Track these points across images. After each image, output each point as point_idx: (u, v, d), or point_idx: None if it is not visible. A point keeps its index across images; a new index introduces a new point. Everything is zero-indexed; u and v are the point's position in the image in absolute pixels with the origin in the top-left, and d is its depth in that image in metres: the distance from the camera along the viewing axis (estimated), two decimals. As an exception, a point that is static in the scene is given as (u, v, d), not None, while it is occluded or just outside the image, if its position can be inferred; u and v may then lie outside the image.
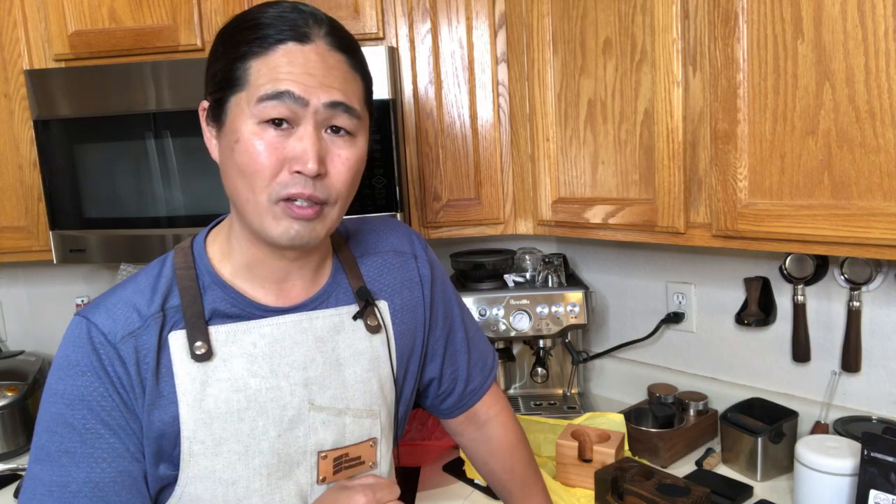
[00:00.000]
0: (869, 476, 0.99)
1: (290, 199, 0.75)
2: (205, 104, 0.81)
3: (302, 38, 0.74)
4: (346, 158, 0.77)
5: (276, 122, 0.74)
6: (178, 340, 0.79)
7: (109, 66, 1.45)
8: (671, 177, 1.22)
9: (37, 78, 1.46)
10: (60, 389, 0.77)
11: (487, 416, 1.09)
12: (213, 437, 0.79)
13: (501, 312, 1.56)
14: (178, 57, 1.50)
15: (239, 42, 0.75)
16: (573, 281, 1.66)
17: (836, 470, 1.08)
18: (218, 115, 0.78)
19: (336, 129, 0.77)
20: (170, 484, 0.80)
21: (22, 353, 1.95)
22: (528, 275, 1.69)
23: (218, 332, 0.81)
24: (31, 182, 1.58)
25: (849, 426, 1.28)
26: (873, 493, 0.99)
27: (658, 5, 1.19)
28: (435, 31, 1.50)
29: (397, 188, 1.44)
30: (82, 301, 1.88)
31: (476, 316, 1.56)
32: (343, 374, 0.87)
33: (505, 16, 1.49)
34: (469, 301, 1.56)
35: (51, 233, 1.53)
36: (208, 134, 0.82)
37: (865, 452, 1.00)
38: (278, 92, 0.72)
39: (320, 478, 0.85)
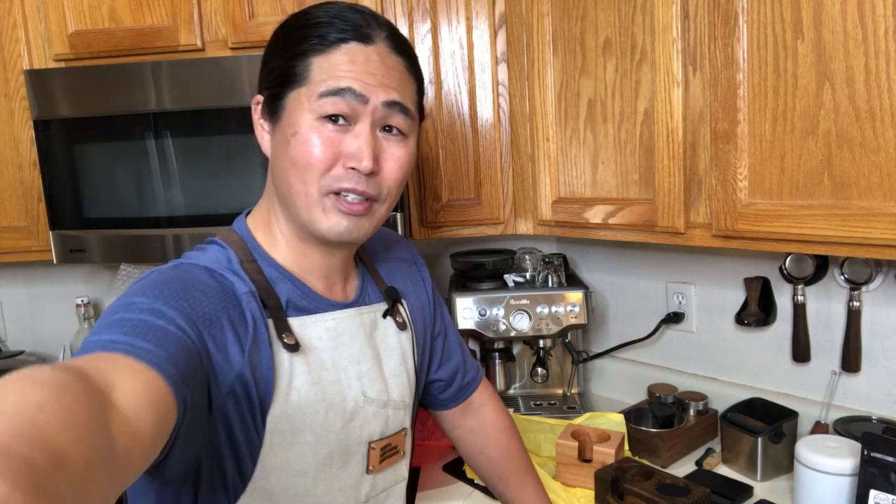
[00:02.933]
0: (869, 476, 0.99)
1: (339, 193, 0.77)
2: (259, 98, 0.83)
3: (364, 38, 0.77)
4: (398, 157, 0.80)
5: (334, 119, 0.76)
6: (271, 330, 0.78)
7: (109, 66, 1.45)
8: (671, 177, 1.22)
9: (37, 78, 1.46)
10: (155, 293, 0.69)
11: (481, 401, 1.15)
12: (292, 429, 0.79)
13: (501, 312, 1.56)
14: (178, 57, 1.49)
15: (300, 39, 0.77)
16: (573, 281, 1.66)
17: (836, 470, 1.08)
18: (274, 109, 0.79)
19: (389, 129, 0.79)
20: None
21: (22, 353, 1.96)
22: (528, 275, 1.69)
23: (293, 324, 0.81)
24: (30, 182, 1.58)
25: (849, 426, 1.28)
26: (873, 493, 0.99)
27: (658, 5, 1.19)
28: (435, 31, 1.50)
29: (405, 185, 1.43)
30: (83, 301, 1.88)
31: (476, 316, 1.56)
32: (383, 368, 0.91)
33: (505, 16, 1.49)
34: (469, 301, 1.57)
35: (51, 233, 1.53)
36: (260, 128, 0.83)
37: (865, 452, 1.00)
38: (339, 88, 0.75)
39: (370, 467, 0.89)
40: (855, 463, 1.05)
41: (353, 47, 0.76)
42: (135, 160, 1.46)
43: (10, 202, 1.61)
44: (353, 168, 0.76)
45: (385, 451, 0.91)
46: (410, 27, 1.50)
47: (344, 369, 0.85)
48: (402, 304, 0.98)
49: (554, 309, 1.56)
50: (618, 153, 1.33)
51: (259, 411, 0.76)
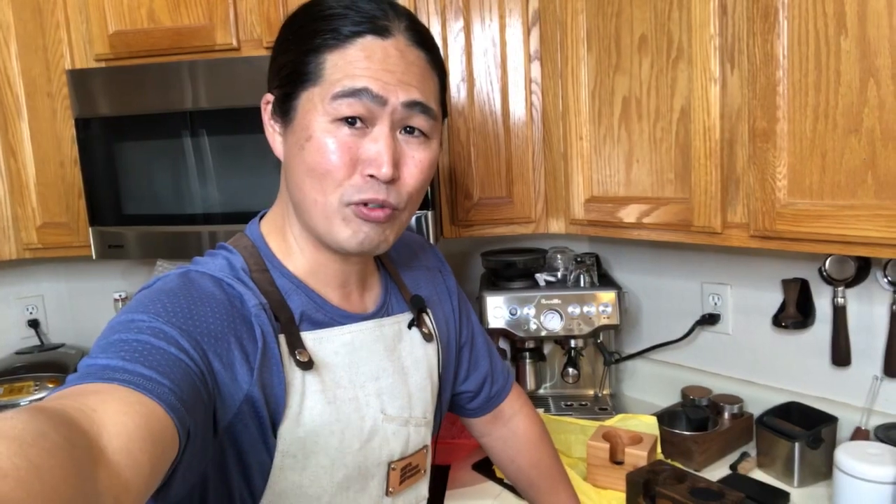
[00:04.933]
0: (912, 485, 0.97)
1: (360, 203, 0.71)
2: (269, 97, 0.77)
3: (382, 31, 0.70)
4: (419, 161, 0.74)
5: (350, 121, 0.70)
6: (283, 345, 0.73)
7: (148, 65, 1.48)
8: (708, 175, 1.20)
9: (78, 77, 1.50)
10: (157, 308, 0.65)
11: (512, 410, 1.11)
12: (304, 452, 0.74)
13: (532, 312, 1.56)
14: (215, 56, 1.52)
15: (311, 33, 0.71)
16: (606, 281, 1.64)
17: (877, 478, 1.05)
18: (286, 110, 0.74)
19: (410, 130, 0.73)
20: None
21: (63, 345, 2.01)
22: (559, 274, 1.68)
23: (306, 338, 0.76)
24: (71, 179, 1.63)
25: (891, 433, 1.25)
26: (916, 502, 0.96)
27: (695, 1, 1.17)
28: (468, 29, 1.50)
29: (429, 186, 1.44)
30: (120, 296, 1.93)
31: (507, 315, 1.56)
32: (408, 383, 0.86)
33: (538, 13, 1.48)
34: (500, 300, 1.56)
35: (90, 229, 1.56)
36: (271, 129, 0.77)
37: (908, 460, 0.97)
38: (355, 89, 0.69)
39: (389, 490, 0.83)
40: (897, 471, 1.02)
41: (369, 41, 0.69)
42: (172, 158, 1.48)
43: (52, 199, 1.66)
44: (371, 175, 0.70)
45: (406, 472, 0.85)
46: (443, 25, 1.50)
47: (362, 386, 0.79)
48: (427, 313, 0.92)
49: (586, 309, 1.54)
50: (653, 151, 1.31)
51: (271, 431, 0.71)
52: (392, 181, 0.72)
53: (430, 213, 1.45)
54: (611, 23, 1.34)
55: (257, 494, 0.73)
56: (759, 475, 1.31)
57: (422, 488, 0.91)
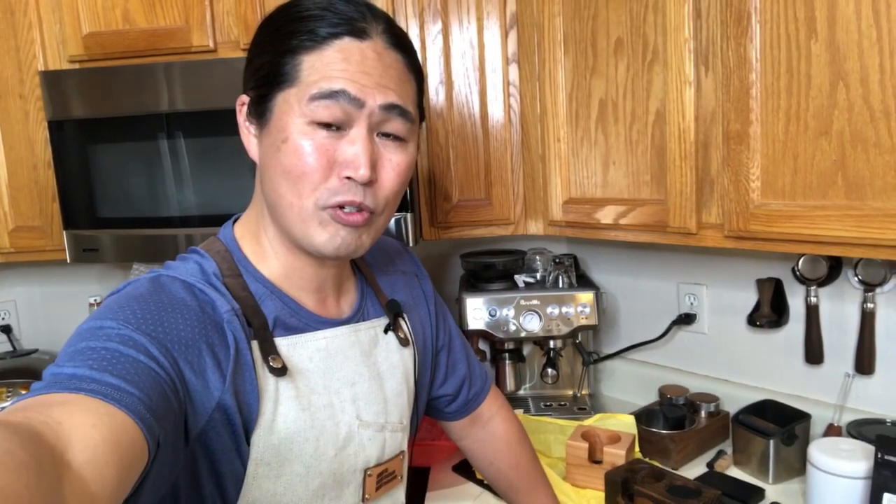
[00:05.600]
0: (883, 479, 0.98)
1: (337, 206, 0.71)
2: (244, 99, 0.76)
3: (359, 33, 0.70)
4: (396, 164, 0.74)
5: (327, 124, 0.69)
6: (255, 352, 0.72)
7: (123, 67, 1.47)
8: (683, 177, 1.21)
9: (51, 79, 1.47)
10: (122, 316, 0.64)
11: (490, 413, 1.11)
12: (278, 459, 0.73)
13: (512, 313, 1.56)
14: (191, 58, 1.50)
15: (288, 35, 0.70)
16: (584, 282, 1.65)
17: (849, 473, 1.07)
18: (261, 111, 0.73)
19: (387, 134, 0.73)
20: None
21: (36, 351, 1.97)
22: (538, 275, 1.69)
23: (280, 344, 0.75)
24: (45, 182, 1.60)
25: (862, 429, 1.27)
26: (887, 496, 0.98)
27: (670, 5, 1.18)
28: (446, 32, 1.50)
29: (408, 189, 1.44)
30: (95, 301, 1.90)
31: (486, 316, 1.56)
32: (384, 388, 0.85)
33: (516, 16, 1.49)
34: (479, 301, 1.57)
35: (64, 232, 1.54)
36: (246, 131, 0.77)
37: (879, 455, 0.99)
38: (333, 91, 0.68)
39: (365, 496, 0.83)
40: (868, 466, 1.04)
41: (346, 43, 0.69)
42: (148, 160, 1.47)
43: (25, 202, 1.63)
44: (349, 178, 0.70)
45: (382, 478, 0.85)
46: (421, 27, 1.50)
47: (337, 391, 0.79)
48: (403, 318, 0.92)
49: (564, 310, 1.56)
50: (629, 153, 1.32)
51: (244, 439, 0.70)
52: (369, 183, 0.71)
53: (409, 216, 1.45)
54: (587, 26, 1.35)
55: (230, 503, 0.72)
56: (735, 472, 1.33)
57: (398, 494, 0.90)
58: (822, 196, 1.02)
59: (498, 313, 1.56)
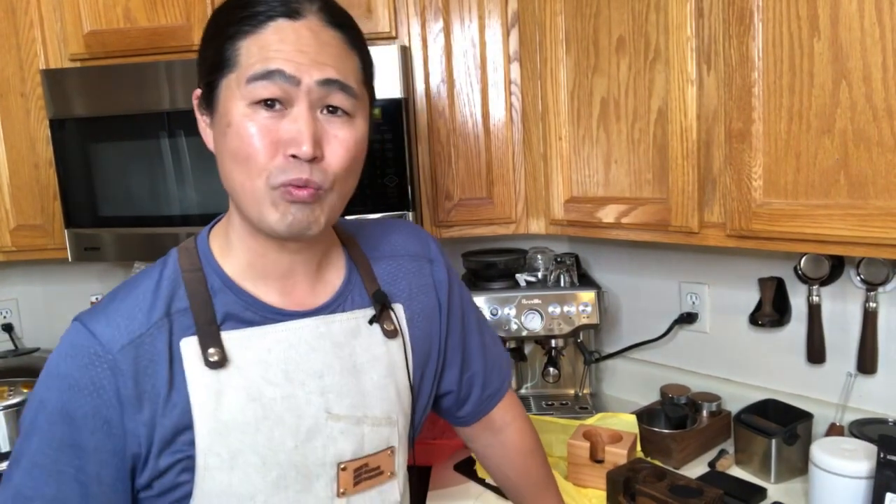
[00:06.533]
0: (885, 479, 0.98)
1: (287, 185, 0.71)
2: (197, 92, 0.78)
3: (293, 14, 0.71)
4: (343, 140, 0.73)
5: (268, 103, 0.70)
6: (190, 347, 0.75)
7: (124, 65, 1.46)
8: (685, 176, 1.21)
9: (52, 77, 1.47)
10: (45, 398, 0.74)
11: (504, 421, 1.06)
12: (228, 450, 0.75)
13: (513, 312, 1.56)
14: (192, 56, 1.49)
15: (229, 22, 0.72)
16: (585, 281, 1.65)
17: (851, 473, 1.07)
18: (210, 100, 0.75)
19: (333, 110, 0.73)
20: (184, 498, 0.76)
21: (38, 350, 1.97)
22: (539, 274, 1.68)
23: (231, 337, 0.77)
24: (46, 181, 1.60)
25: (864, 428, 1.27)
26: (889, 496, 0.98)
27: (672, 3, 1.18)
28: (448, 30, 1.50)
29: (409, 187, 1.44)
30: (97, 299, 1.90)
31: (487, 315, 1.56)
32: (361, 380, 0.83)
33: (518, 14, 1.49)
34: (480, 300, 1.56)
35: (66, 231, 1.54)
36: (202, 123, 0.78)
37: (881, 455, 0.99)
38: (268, 71, 0.69)
39: (340, 490, 0.82)
40: (871, 466, 1.04)
41: (281, 24, 0.70)
42: (149, 159, 1.47)
43: (27, 201, 1.63)
44: (294, 156, 0.70)
45: (360, 473, 0.83)
46: (423, 26, 1.50)
47: (301, 383, 0.79)
48: (392, 309, 0.88)
49: (566, 309, 1.55)
50: (631, 152, 1.32)
51: (184, 438, 0.74)
52: (315, 160, 0.71)
53: (410, 214, 1.45)
54: (589, 24, 1.35)
55: (188, 498, 0.76)
56: (737, 472, 1.33)
57: (390, 492, 0.87)
58: (825, 195, 1.01)
59: (499, 312, 1.56)
